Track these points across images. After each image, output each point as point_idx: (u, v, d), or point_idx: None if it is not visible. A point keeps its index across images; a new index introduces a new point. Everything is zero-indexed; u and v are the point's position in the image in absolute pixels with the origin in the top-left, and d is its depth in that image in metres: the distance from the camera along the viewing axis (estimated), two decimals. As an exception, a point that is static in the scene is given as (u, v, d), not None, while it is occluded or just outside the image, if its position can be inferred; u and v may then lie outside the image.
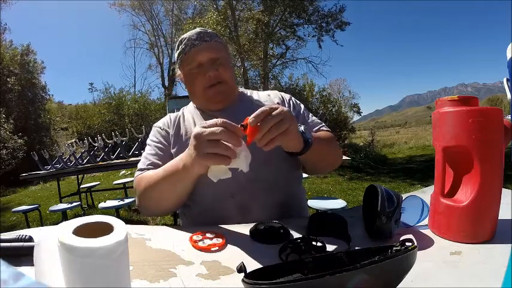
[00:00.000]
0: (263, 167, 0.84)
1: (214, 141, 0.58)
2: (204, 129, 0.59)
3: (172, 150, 0.90)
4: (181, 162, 0.69)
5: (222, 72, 0.90)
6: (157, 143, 0.93)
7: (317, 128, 0.95)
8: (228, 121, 0.59)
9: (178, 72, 0.98)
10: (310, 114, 1.00)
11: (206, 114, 0.94)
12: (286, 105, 0.97)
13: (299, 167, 0.94)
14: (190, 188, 0.77)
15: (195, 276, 0.49)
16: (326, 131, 0.95)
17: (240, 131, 0.58)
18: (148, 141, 0.97)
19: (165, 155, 0.89)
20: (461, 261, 0.49)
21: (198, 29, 0.94)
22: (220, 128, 0.57)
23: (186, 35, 0.93)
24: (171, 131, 0.94)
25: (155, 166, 0.86)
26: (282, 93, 1.03)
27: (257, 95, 1.01)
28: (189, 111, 0.99)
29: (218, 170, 0.60)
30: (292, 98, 1.02)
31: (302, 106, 1.01)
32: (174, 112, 1.02)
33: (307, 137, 0.71)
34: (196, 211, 0.87)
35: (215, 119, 0.60)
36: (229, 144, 0.58)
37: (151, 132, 0.98)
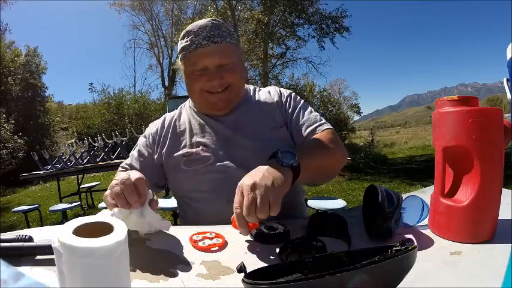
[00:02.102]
0: None
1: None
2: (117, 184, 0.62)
3: (163, 154, 0.89)
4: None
5: (228, 77, 0.82)
6: (142, 146, 0.94)
7: (313, 128, 0.86)
8: (129, 185, 0.61)
9: (179, 63, 0.90)
10: (309, 110, 0.92)
11: (203, 119, 0.91)
12: (284, 99, 0.93)
13: None
14: None
15: (195, 276, 0.49)
16: (326, 129, 0.85)
17: (135, 197, 0.60)
18: (140, 137, 0.98)
19: (143, 158, 0.91)
20: (461, 261, 0.49)
21: (208, 22, 0.83)
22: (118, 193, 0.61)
23: (193, 28, 0.82)
24: (160, 134, 0.93)
25: (131, 167, 0.91)
26: (282, 90, 0.99)
27: (258, 94, 0.97)
28: (186, 111, 0.96)
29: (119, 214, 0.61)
30: (293, 93, 0.97)
31: (301, 102, 0.95)
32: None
33: (289, 163, 0.63)
34: (192, 215, 0.87)
35: (123, 177, 0.62)
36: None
37: (146, 130, 0.98)
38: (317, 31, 10.71)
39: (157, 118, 1.02)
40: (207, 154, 0.84)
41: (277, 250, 0.56)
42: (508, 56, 0.63)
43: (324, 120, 0.89)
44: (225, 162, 0.83)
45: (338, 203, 2.47)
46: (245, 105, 0.92)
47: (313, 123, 0.87)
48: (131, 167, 0.91)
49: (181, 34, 0.86)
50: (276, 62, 11.73)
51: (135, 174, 0.63)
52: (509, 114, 0.73)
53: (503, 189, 0.57)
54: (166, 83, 23.09)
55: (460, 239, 0.55)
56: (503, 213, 0.59)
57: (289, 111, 0.92)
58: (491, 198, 0.55)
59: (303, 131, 0.87)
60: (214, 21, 0.84)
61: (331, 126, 0.87)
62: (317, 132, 0.85)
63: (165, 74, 23.32)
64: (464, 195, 0.56)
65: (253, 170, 0.64)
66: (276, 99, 0.94)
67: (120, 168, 0.93)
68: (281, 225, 0.65)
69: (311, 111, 0.92)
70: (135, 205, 0.60)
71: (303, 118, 0.89)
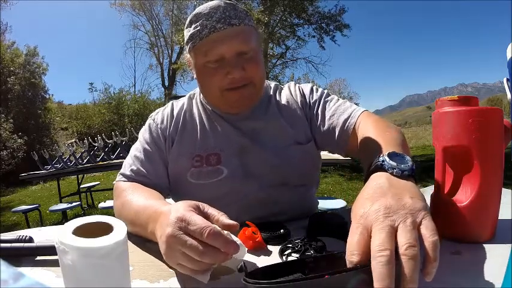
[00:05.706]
0: (275, 189, 0.76)
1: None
2: (183, 238, 0.41)
3: (169, 156, 0.78)
4: (148, 229, 0.52)
5: (250, 70, 0.69)
6: (147, 144, 0.78)
7: (348, 115, 0.73)
8: (219, 233, 0.41)
9: (187, 56, 0.75)
10: (336, 98, 0.81)
11: (217, 120, 0.79)
12: (307, 98, 0.83)
13: (317, 181, 0.87)
14: None
15: (195, 276, 0.49)
16: (362, 113, 0.73)
17: (232, 246, 0.42)
18: (139, 136, 0.82)
19: (152, 161, 0.76)
20: (461, 261, 0.49)
21: (220, 2, 0.67)
22: (200, 250, 0.40)
23: (203, 9, 0.67)
24: (169, 130, 0.79)
25: (138, 174, 0.75)
26: (302, 86, 0.87)
27: (279, 96, 0.85)
28: (197, 105, 0.83)
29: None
30: (314, 86, 0.86)
31: (325, 92, 0.84)
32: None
33: (410, 167, 0.47)
34: None
35: (202, 226, 0.41)
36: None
37: (145, 125, 0.82)
38: (317, 30, 10.72)
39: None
40: (218, 166, 0.74)
41: (278, 250, 0.56)
42: (508, 56, 0.63)
43: (354, 106, 0.77)
44: (238, 177, 0.74)
45: (338, 203, 2.47)
46: (264, 110, 0.80)
47: (346, 108, 0.76)
48: (138, 174, 0.75)
49: (188, 20, 0.70)
50: (276, 62, 11.76)
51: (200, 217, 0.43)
52: (510, 114, 0.73)
53: (503, 189, 0.57)
54: (167, 83, 23.15)
55: (460, 239, 0.55)
56: (503, 213, 0.59)
57: (315, 107, 0.81)
58: (491, 198, 0.55)
59: (335, 120, 0.76)
60: (227, 1, 0.68)
61: (364, 109, 0.76)
62: (351, 118, 0.73)
63: (165, 74, 23.39)
64: (464, 195, 0.56)
65: (374, 190, 0.41)
66: (300, 99, 0.84)
67: (121, 178, 0.76)
68: (282, 225, 0.66)
69: (338, 99, 0.82)
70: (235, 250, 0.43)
71: (330, 109, 0.79)
